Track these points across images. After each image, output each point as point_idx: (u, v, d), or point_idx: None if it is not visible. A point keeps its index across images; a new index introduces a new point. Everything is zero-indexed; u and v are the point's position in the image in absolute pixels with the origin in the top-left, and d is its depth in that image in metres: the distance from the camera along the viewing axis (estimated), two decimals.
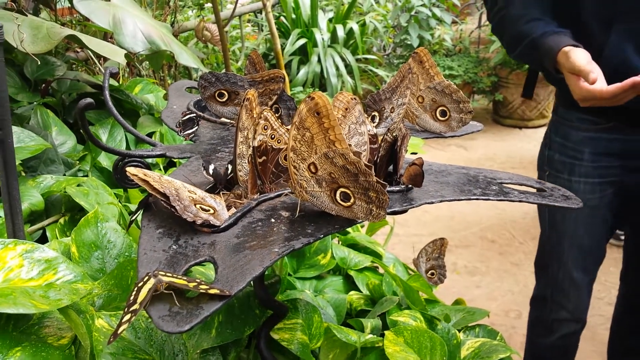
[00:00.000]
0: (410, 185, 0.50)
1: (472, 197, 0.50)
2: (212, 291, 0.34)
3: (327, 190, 0.45)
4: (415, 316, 0.74)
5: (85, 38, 0.99)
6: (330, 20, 3.69)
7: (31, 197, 0.92)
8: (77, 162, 1.18)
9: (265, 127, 0.46)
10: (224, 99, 0.60)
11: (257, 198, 0.45)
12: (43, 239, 0.92)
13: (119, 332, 0.32)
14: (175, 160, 1.22)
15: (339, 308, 0.84)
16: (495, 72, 3.85)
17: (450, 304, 0.98)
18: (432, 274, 1.02)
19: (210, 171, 0.45)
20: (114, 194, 1.04)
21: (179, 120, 0.59)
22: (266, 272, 0.76)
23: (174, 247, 0.39)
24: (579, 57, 0.88)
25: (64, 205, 0.97)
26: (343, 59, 3.48)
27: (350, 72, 3.53)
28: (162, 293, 0.34)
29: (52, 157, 1.13)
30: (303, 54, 3.52)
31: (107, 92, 0.54)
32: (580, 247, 1.13)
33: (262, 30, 3.84)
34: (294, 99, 0.59)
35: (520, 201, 0.50)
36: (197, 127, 0.59)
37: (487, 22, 3.93)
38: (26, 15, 1.02)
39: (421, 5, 3.80)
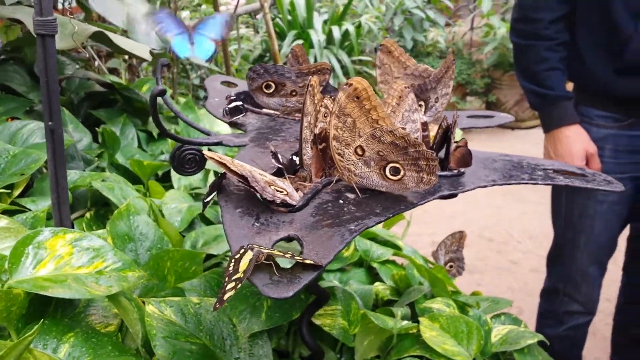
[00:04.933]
0: (462, 170, 0.52)
1: (521, 182, 0.52)
2: (307, 261, 0.35)
3: (377, 169, 0.46)
4: (448, 303, 0.76)
5: (112, 36, 1.00)
6: (325, 22, 3.72)
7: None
8: (95, 158, 1.18)
9: (326, 115, 0.48)
10: (271, 90, 0.62)
11: (322, 181, 0.47)
12: None
13: (225, 298, 0.33)
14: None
15: (366, 298, 0.86)
16: (488, 73, 3.90)
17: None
18: (451, 266, 1.04)
19: (281, 159, 0.47)
20: (136, 189, 1.05)
21: (224, 108, 0.61)
22: None
23: (257, 224, 0.41)
24: (576, 151, 1.05)
25: (89, 200, 0.98)
26: (339, 60, 3.51)
27: (346, 73, 3.56)
28: (261, 264, 0.36)
29: (72, 154, 1.14)
30: None
31: (159, 82, 0.55)
32: (596, 242, 1.16)
33: (258, 32, 3.86)
34: (338, 89, 0.61)
35: (566, 185, 0.52)
36: (244, 115, 0.60)
37: (479, 25, 3.99)
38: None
39: (415, 8, 3.85)
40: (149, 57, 1.04)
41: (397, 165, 0.46)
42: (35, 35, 0.57)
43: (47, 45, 0.57)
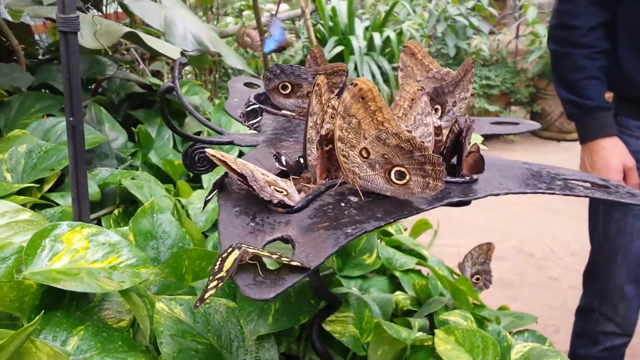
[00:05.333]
0: (475, 177, 0.51)
1: (538, 191, 0.50)
2: (294, 263, 0.35)
3: (381, 172, 0.45)
4: (466, 316, 0.74)
5: (143, 36, 1.02)
6: (366, 28, 3.71)
7: (88, 187, 0.95)
8: (129, 157, 1.21)
9: (332, 116, 0.47)
10: (287, 91, 0.62)
11: (326, 183, 0.46)
12: None
13: (205, 297, 0.33)
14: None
15: (385, 307, 0.84)
16: (533, 83, 3.80)
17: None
18: (477, 279, 1.01)
19: (283, 161, 0.46)
20: (165, 188, 1.06)
21: (242, 111, 0.61)
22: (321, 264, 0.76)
23: (252, 224, 0.40)
24: (613, 164, 1.02)
25: (119, 197, 1.00)
26: (379, 67, 3.49)
27: (386, 80, 3.53)
28: (246, 264, 0.35)
29: (106, 152, 1.17)
30: (339, 61, 3.54)
31: (177, 82, 0.56)
32: (634, 260, 1.11)
33: (300, 38, 3.88)
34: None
35: (585, 196, 0.50)
36: (260, 118, 0.60)
37: (524, 33, 3.90)
38: (85, 13, 1.06)
39: (458, 15, 3.79)
40: (178, 58, 1.05)
41: (403, 169, 0.45)
42: (58, 32, 0.58)
43: (70, 42, 0.59)
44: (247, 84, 0.76)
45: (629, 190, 0.52)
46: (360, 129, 0.45)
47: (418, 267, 1.02)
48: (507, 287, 2.32)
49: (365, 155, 0.45)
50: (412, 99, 0.51)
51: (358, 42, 3.50)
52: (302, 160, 0.49)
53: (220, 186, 0.46)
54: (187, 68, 2.74)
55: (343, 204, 0.44)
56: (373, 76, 3.41)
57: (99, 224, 0.94)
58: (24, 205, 0.80)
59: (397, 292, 0.89)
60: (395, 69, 3.65)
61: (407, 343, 0.69)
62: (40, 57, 1.59)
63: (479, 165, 0.51)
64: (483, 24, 3.86)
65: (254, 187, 0.41)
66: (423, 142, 0.45)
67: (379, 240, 1.06)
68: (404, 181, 0.45)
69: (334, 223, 0.40)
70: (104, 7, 1.98)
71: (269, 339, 0.60)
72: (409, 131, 0.45)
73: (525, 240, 2.64)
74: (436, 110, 0.58)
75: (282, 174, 0.47)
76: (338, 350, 0.70)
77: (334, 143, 0.46)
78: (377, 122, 0.44)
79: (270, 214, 0.42)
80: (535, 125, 0.70)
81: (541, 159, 3.62)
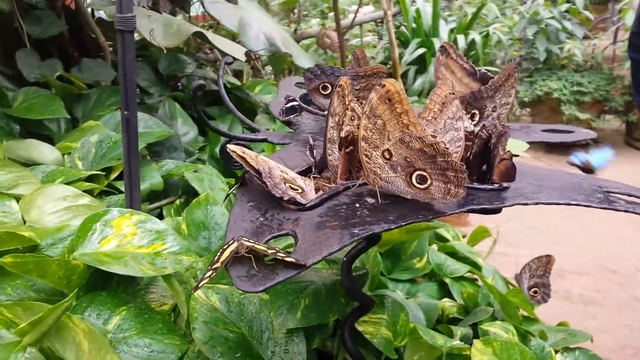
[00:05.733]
0: (505, 185, 0.49)
1: (572, 202, 0.48)
2: (288, 259, 0.35)
3: (403, 175, 0.45)
4: (507, 328, 0.72)
5: (209, 35, 1.06)
6: (452, 30, 3.63)
7: (153, 178, 1.01)
8: (197, 151, 1.26)
9: (352, 118, 0.48)
10: (327, 92, 0.63)
11: (345, 183, 0.46)
12: (160, 217, 1.00)
13: (199, 285, 0.35)
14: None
15: (430, 313, 0.83)
16: (630, 91, 3.55)
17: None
18: (535, 292, 0.97)
19: (315, 154, 0.47)
20: (227, 182, 1.10)
21: (282, 107, 0.63)
22: (355, 265, 0.77)
23: (261, 219, 0.42)
24: None
25: (181, 188, 1.05)
26: None
27: None
28: (243, 256, 0.37)
29: (175, 145, 1.23)
30: (421, 64, 3.49)
31: (221, 81, 0.58)
32: None
33: (382, 39, 3.87)
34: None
35: (625, 211, 0.47)
36: (297, 115, 0.61)
37: (622, 39, 3.65)
38: (160, 13, 1.12)
39: (551, 18, 3.62)
40: (242, 58, 1.09)
41: (424, 173, 0.44)
42: (116, 31, 0.63)
43: (126, 40, 0.62)
44: (299, 84, 0.77)
45: None
46: (384, 130, 0.45)
47: (474, 276, 0.99)
48: (587, 304, 2.19)
49: (387, 156, 0.45)
50: (443, 103, 0.50)
51: (441, 44, 3.43)
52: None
53: (241, 181, 0.47)
54: (268, 68, 2.81)
55: (357, 205, 0.44)
56: None
57: (160, 212, 1.00)
58: (90, 191, 0.87)
59: (445, 299, 0.88)
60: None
61: (443, 351, 0.68)
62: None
63: (510, 173, 0.49)
64: (577, 28, 3.66)
65: (267, 183, 0.42)
66: (447, 148, 0.44)
67: (433, 246, 1.05)
68: (425, 185, 0.44)
69: (342, 223, 0.41)
70: (189, 7, 2.07)
71: (299, 334, 0.62)
72: (434, 136, 0.45)
73: (608, 256, 2.48)
74: (473, 115, 0.56)
75: (303, 173, 0.48)
76: (373, 352, 0.70)
77: (354, 145, 0.47)
78: (402, 125, 0.44)
79: (282, 210, 0.43)
80: (591, 134, 0.66)
81: (632, 171, 3.39)
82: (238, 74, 2.38)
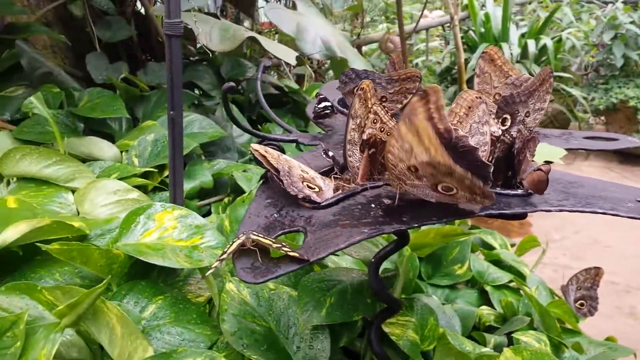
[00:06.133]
0: (531, 191, 0.48)
1: (597, 211, 0.46)
2: (292, 254, 0.37)
3: (429, 184, 0.45)
4: (540, 338, 0.70)
5: (262, 40, 1.10)
6: (522, 35, 3.52)
7: (204, 176, 1.05)
8: (250, 152, 1.30)
9: (375, 121, 0.48)
10: None
11: (363, 184, 0.47)
12: (208, 214, 1.05)
13: (206, 275, 0.37)
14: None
15: (466, 320, 0.82)
16: None
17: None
18: (582, 304, 0.93)
19: (330, 155, 0.49)
20: None
21: (315, 108, 0.64)
22: (385, 267, 0.77)
23: (275, 215, 0.43)
24: None
25: (230, 187, 1.09)
26: (532, 75, 3.29)
27: None
28: (249, 249, 0.38)
29: (229, 146, 1.27)
30: None
31: (259, 83, 0.61)
32: None
33: (449, 44, 3.81)
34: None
35: None
36: (328, 115, 0.63)
37: None
38: (219, 19, 1.16)
39: (630, 23, 3.44)
40: (294, 62, 1.12)
41: (450, 185, 0.44)
42: (164, 36, 0.66)
43: (173, 44, 0.66)
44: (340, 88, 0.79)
45: None
46: (412, 152, 0.45)
47: (517, 286, 0.97)
48: None
49: (413, 170, 0.46)
50: (469, 107, 0.50)
51: (510, 49, 3.34)
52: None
53: (264, 179, 0.49)
54: (331, 73, 2.84)
55: (373, 205, 0.45)
56: None
57: (210, 209, 1.04)
58: (144, 187, 0.92)
59: (483, 307, 0.86)
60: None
61: (471, 357, 0.67)
62: (191, 58, 1.77)
63: (540, 186, 0.48)
64: None
65: (284, 181, 0.44)
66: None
67: (477, 253, 1.03)
68: (452, 193, 0.44)
69: (354, 222, 0.42)
70: (254, 14, 2.13)
71: (324, 331, 0.63)
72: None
73: None
74: (504, 120, 0.56)
75: (327, 173, 0.50)
76: (400, 354, 0.70)
77: (376, 147, 0.47)
78: (430, 156, 0.44)
79: (297, 208, 0.45)
80: (636, 142, 0.64)
81: None
82: (300, 78, 2.42)
